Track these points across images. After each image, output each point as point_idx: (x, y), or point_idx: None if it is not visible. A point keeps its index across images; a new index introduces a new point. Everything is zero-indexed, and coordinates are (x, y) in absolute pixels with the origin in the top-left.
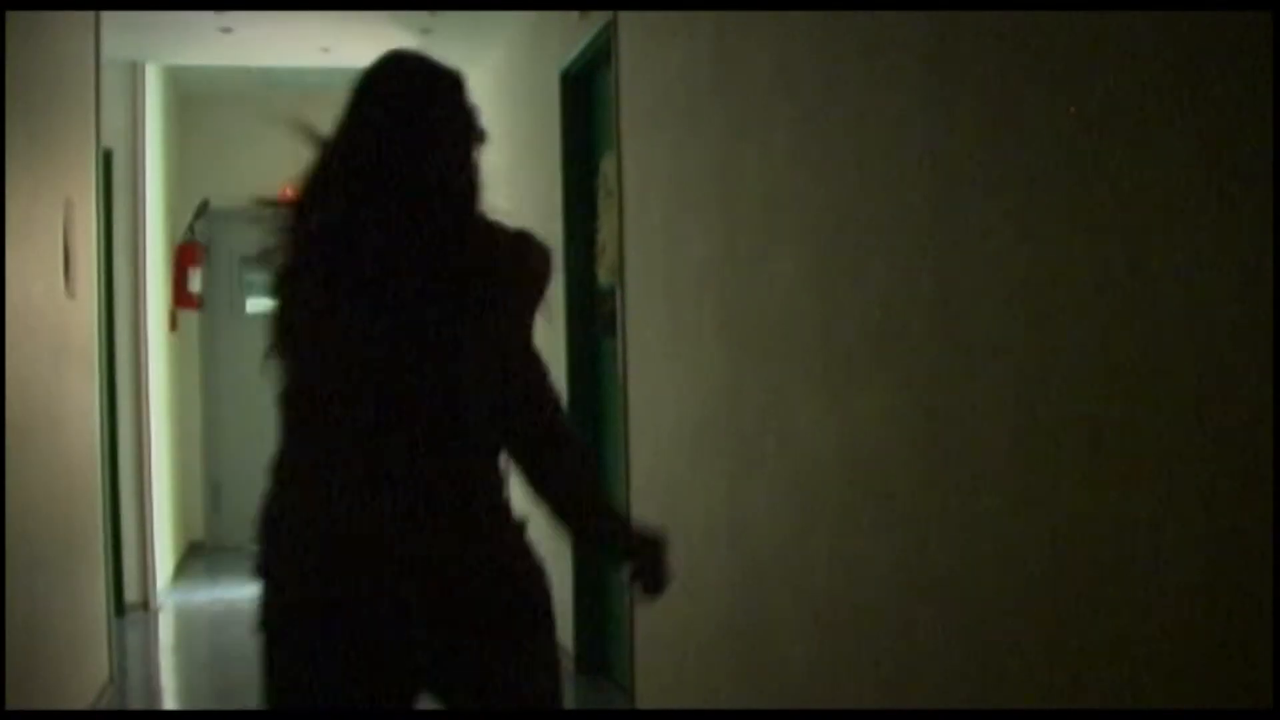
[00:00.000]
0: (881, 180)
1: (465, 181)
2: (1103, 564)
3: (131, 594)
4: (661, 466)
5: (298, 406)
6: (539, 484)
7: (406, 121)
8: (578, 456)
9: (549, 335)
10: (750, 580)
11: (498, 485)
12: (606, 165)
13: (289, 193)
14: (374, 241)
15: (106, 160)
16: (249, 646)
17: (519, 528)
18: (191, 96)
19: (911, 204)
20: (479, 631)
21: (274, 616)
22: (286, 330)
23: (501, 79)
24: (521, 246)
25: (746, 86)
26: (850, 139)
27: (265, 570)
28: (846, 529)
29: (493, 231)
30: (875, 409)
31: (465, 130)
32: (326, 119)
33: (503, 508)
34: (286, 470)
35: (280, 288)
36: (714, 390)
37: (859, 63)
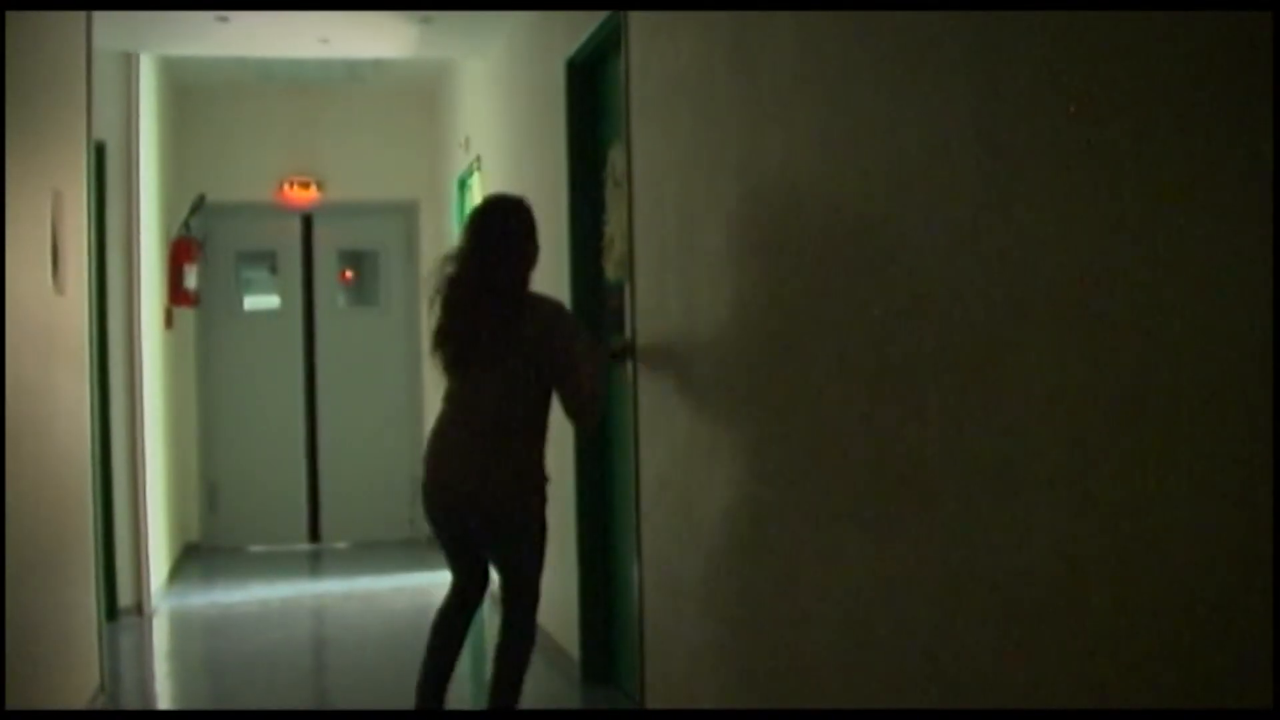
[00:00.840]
0: (924, 161)
1: (524, 274)
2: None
3: (125, 598)
4: (675, 471)
5: (445, 403)
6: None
7: (497, 240)
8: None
9: None
10: (776, 592)
11: (531, 457)
12: (614, 155)
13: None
14: (479, 313)
15: (99, 152)
16: (246, 652)
17: (536, 484)
18: (188, 88)
19: (959, 187)
20: (499, 526)
21: (425, 509)
22: (445, 365)
23: (504, 68)
24: (552, 312)
25: (769, 66)
26: (886, 118)
27: (424, 485)
28: (885, 537)
29: (537, 303)
30: (916, 407)
31: (529, 240)
32: (325, 112)
33: (530, 470)
34: (434, 437)
35: (437, 336)
36: (734, 390)
37: (893, 36)
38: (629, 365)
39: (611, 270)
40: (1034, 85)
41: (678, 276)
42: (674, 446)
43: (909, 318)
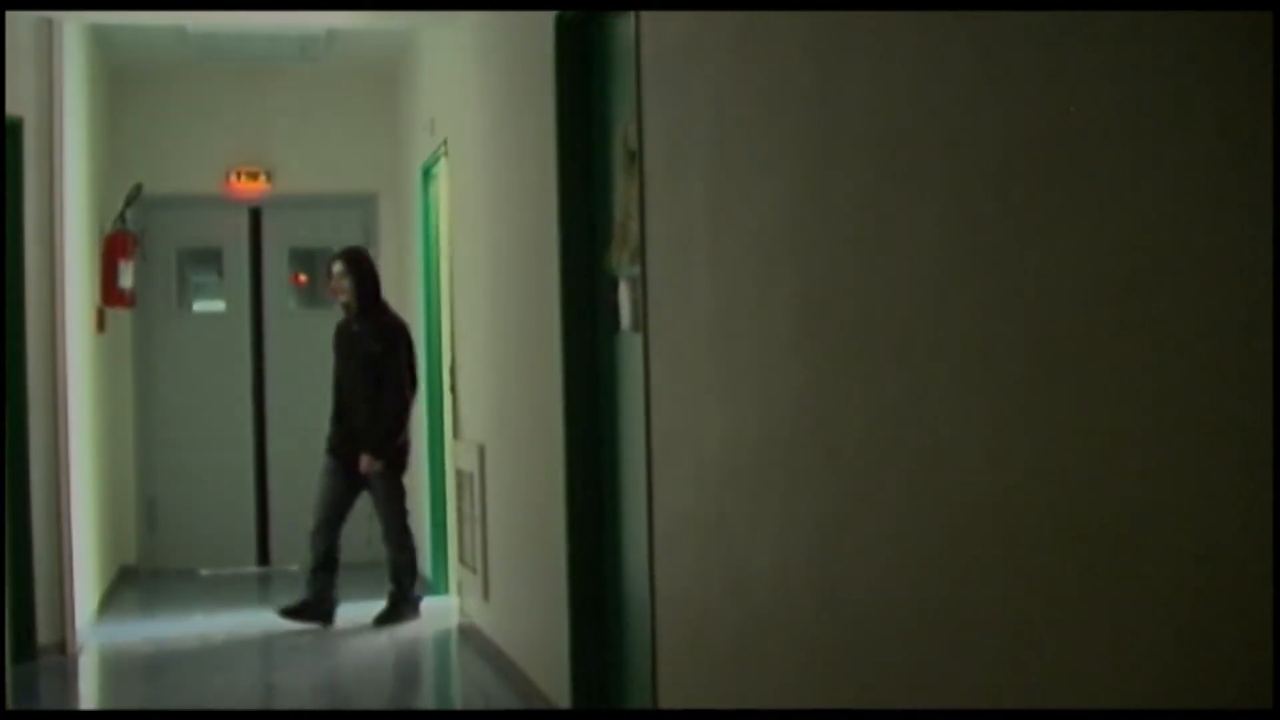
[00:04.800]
0: (1115, 90)
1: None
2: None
3: (45, 634)
4: (704, 504)
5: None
6: None
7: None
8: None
9: (543, 336)
10: (854, 670)
11: None
12: (628, 125)
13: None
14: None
15: (13, 131)
16: (181, 703)
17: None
18: (123, 69)
19: (1134, 140)
20: None
21: None
22: None
23: (477, 34)
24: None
25: None
26: (1042, 40)
27: None
28: (1044, 604)
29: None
30: (1097, 429)
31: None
32: (275, 95)
33: None
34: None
35: None
36: (792, 402)
37: None
38: (640, 370)
39: (617, 259)
40: None
41: (708, 263)
42: (703, 473)
43: (1076, 305)
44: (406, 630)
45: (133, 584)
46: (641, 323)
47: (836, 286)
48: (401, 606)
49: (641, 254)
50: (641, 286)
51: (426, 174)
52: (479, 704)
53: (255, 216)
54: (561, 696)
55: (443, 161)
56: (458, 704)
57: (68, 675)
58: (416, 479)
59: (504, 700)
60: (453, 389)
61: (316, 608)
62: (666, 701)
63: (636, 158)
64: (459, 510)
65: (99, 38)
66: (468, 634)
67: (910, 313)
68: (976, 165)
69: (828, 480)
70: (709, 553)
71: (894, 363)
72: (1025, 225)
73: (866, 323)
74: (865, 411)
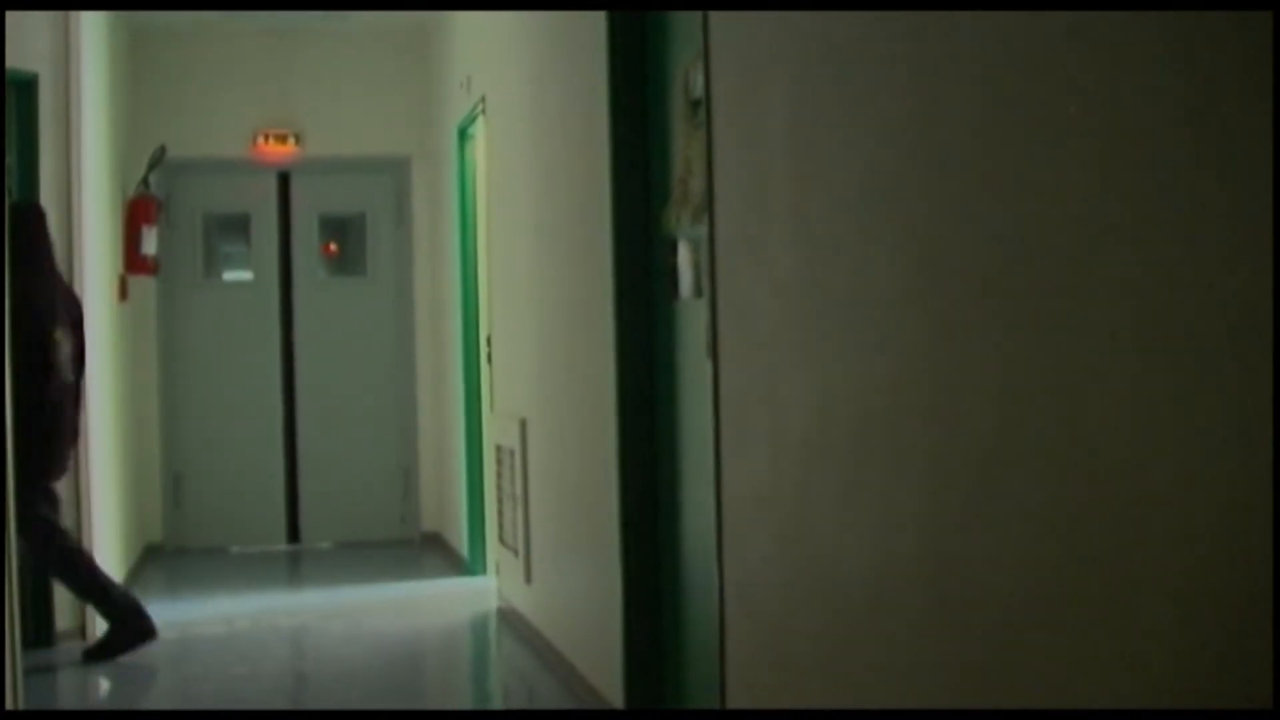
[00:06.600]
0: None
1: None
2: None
3: (63, 618)
4: (783, 486)
5: None
6: None
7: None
8: None
9: (593, 302)
10: (973, 684)
11: None
12: (681, 69)
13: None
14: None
15: (27, 87)
16: (203, 694)
17: None
18: (147, 28)
19: None
20: None
21: None
22: None
23: None
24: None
25: None
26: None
27: None
28: (1246, 602)
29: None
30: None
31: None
32: (304, 55)
33: None
34: None
35: None
36: (898, 371)
37: None
38: (706, 339)
39: (678, 218)
40: None
41: (791, 218)
42: (781, 452)
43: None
44: (444, 614)
45: (157, 563)
46: (708, 287)
47: (955, 238)
48: (116, 637)
49: (709, 212)
50: (708, 248)
51: (462, 135)
52: (522, 698)
53: (284, 181)
54: (614, 692)
55: (480, 120)
56: (499, 697)
57: (88, 664)
58: (449, 452)
59: (549, 694)
60: (489, 360)
61: (128, 630)
62: (736, 702)
63: (702, 105)
64: (498, 487)
65: None
66: (508, 618)
67: (1050, 268)
68: (1141, 96)
69: (945, 460)
70: (788, 541)
71: (1030, 323)
72: (1203, 172)
73: (993, 280)
74: (992, 381)
